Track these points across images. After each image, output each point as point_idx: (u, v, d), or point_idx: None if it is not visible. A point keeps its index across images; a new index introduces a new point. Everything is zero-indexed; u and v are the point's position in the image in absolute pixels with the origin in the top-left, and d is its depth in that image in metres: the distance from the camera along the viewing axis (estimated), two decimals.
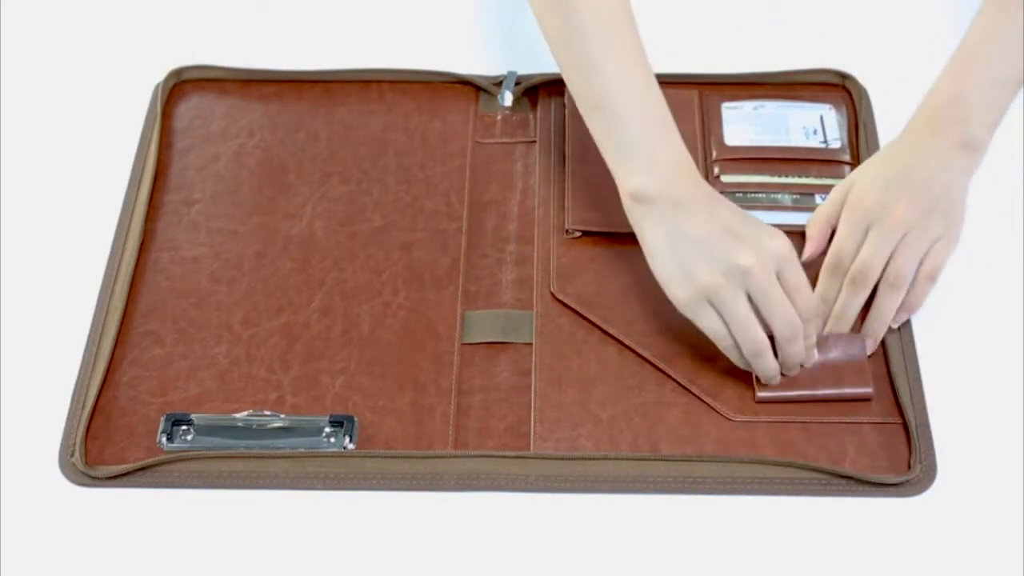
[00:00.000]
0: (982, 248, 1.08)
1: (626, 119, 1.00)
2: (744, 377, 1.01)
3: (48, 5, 1.29)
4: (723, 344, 0.99)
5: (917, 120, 1.05)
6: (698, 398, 1.01)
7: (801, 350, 0.99)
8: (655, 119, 1.00)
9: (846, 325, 1.02)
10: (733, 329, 0.98)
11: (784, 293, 0.97)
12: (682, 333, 1.03)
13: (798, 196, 1.11)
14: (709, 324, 0.98)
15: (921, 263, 1.02)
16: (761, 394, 1.00)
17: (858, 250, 1.02)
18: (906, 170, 1.02)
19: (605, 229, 1.09)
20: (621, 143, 1.00)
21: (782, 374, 1.01)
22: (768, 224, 0.99)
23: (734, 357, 1.00)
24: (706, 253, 0.97)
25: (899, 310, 1.02)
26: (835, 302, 1.03)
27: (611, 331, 1.04)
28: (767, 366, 0.99)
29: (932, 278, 1.03)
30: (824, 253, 1.05)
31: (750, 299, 0.97)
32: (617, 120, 1.00)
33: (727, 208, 0.99)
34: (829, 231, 1.05)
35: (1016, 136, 1.15)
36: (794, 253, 0.98)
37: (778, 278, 0.97)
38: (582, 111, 1.03)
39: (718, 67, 1.19)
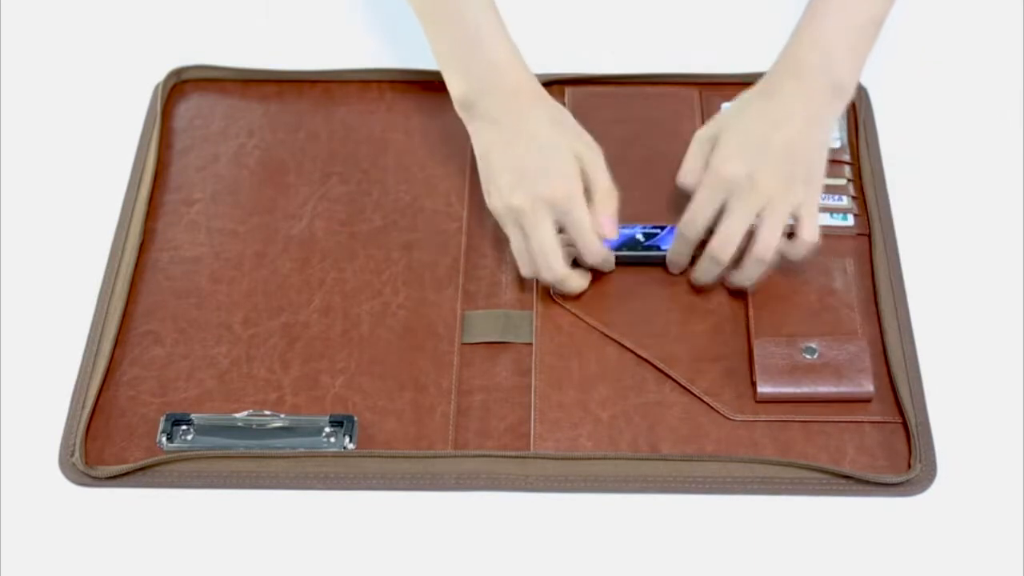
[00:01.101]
0: (982, 247, 1.09)
1: (448, 25, 1.04)
2: (744, 377, 1.01)
3: (48, 5, 1.28)
4: (521, 261, 1.04)
5: (780, 71, 1.03)
6: (698, 398, 1.01)
7: (610, 264, 1.05)
8: (474, 24, 1.03)
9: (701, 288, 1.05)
10: (534, 250, 1.02)
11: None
12: (682, 333, 1.04)
13: None
14: (515, 244, 1.03)
15: (794, 229, 1.01)
16: (763, 389, 1.00)
17: (713, 217, 1.01)
18: (770, 132, 1.00)
19: None
20: (444, 50, 1.05)
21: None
22: (576, 142, 1.03)
23: (525, 272, 1.05)
24: (511, 175, 1.01)
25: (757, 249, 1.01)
26: (685, 264, 1.05)
27: (610, 332, 1.04)
28: (570, 287, 1.04)
29: (813, 240, 1.01)
30: None
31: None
32: (440, 26, 1.04)
33: (536, 124, 1.03)
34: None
35: (1016, 136, 1.15)
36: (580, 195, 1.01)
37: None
38: (423, 27, 1.06)
39: (718, 67, 1.19)
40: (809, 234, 1.00)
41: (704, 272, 1.04)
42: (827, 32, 1.02)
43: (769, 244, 1.00)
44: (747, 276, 1.03)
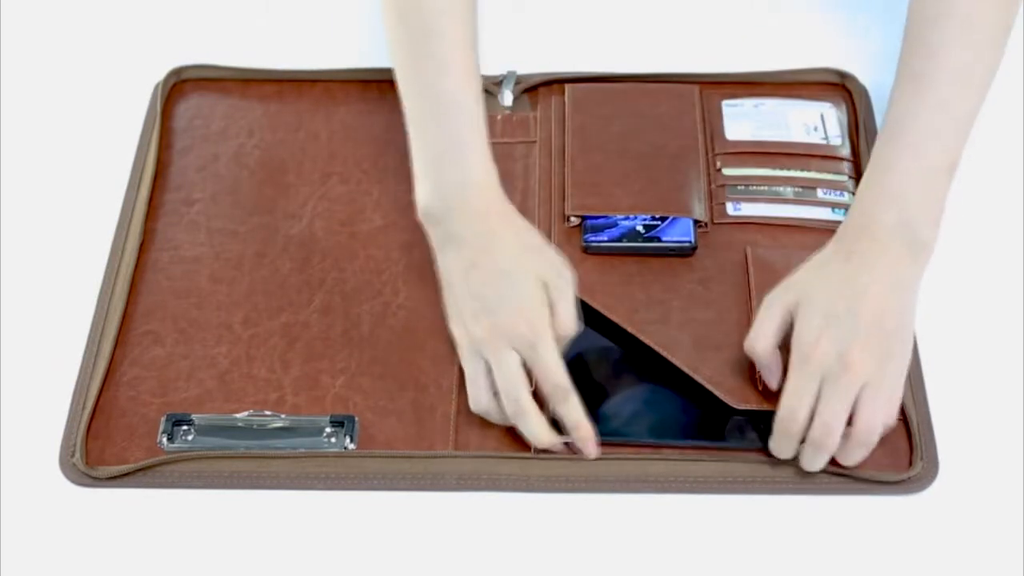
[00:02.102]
0: (983, 245, 1.09)
1: (434, 132, 1.01)
2: (748, 366, 1.01)
3: (48, 5, 1.28)
4: (474, 393, 0.97)
5: (855, 228, 0.98)
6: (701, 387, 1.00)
7: (577, 415, 0.95)
8: (459, 139, 1.00)
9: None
10: (498, 382, 0.95)
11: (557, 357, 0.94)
12: (683, 321, 1.03)
13: (800, 189, 1.11)
14: (471, 374, 0.97)
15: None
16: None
17: (813, 405, 0.93)
18: (854, 303, 0.93)
19: (606, 213, 1.09)
20: (423, 156, 1.01)
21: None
22: (545, 267, 0.97)
23: (477, 405, 0.97)
24: (475, 302, 0.97)
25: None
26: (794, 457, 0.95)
27: (613, 318, 1.03)
28: (531, 428, 0.95)
29: (891, 424, 0.95)
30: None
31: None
32: (425, 132, 1.01)
33: (503, 248, 0.98)
34: (777, 350, 0.96)
35: (1016, 136, 1.15)
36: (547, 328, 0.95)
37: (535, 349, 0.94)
38: (407, 123, 1.03)
39: (718, 67, 1.19)
40: (890, 418, 0.94)
41: (809, 462, 0.94)
42: (899, 183, 0.97)
43: (873, 427, 0.92)
44: (848, 461, 0.95)
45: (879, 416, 0.93)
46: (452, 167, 1.01)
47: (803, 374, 0.93)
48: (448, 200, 1.00)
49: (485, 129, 1.02)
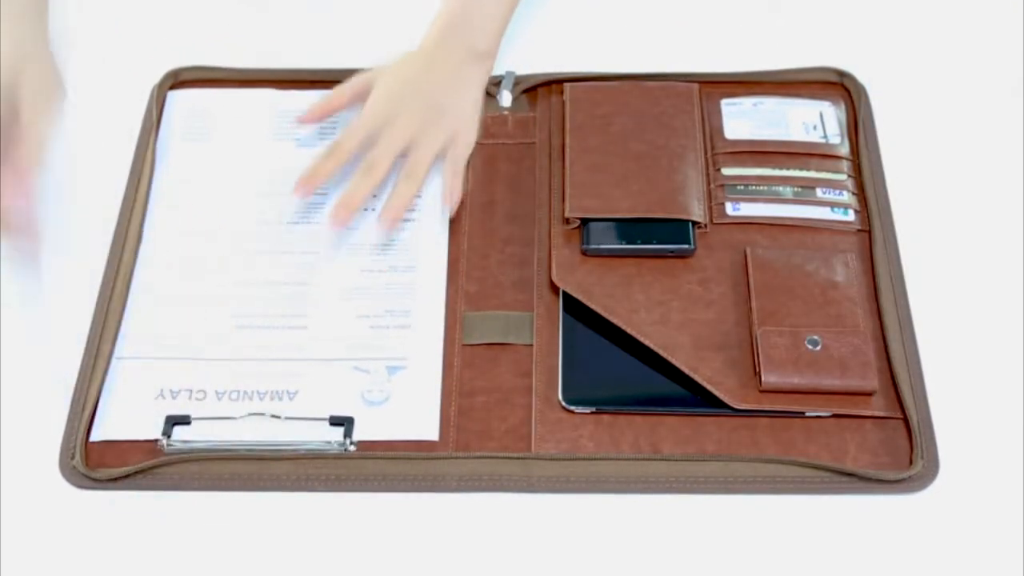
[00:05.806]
0: (982, 244, 1.09)
1: None
2: (747, 367, 1.01)
3: None
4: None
5: (430, 37, 1.15)
6: (701, 387, 1.00)
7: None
8: None
9: (350, 207, 1.08)
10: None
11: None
12: (683, 321, 1.03)
13: (799, 189, 1.11)
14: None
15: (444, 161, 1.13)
16: (768, 379, 0.99)
17: (360, 145, 1.10)
18: (415, 83, 1.13)
19: (605, 215, 1.09)
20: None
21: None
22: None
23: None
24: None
25: (445, 199, 1.11)
26: (322, 180, 1.10)
27: (613, 319, 1.03)
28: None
29: (456, 173, 1.12)
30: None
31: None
32: None
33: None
34: (331, 113, 1.14)
35: (1015, 132, 1.15)
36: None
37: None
38: None
39: (717, 66, 1.19)
40: (451, 165, 1.12)
41: (353, 187, 1.09)
42: (468, 6, 1.15)
43: (417, 164, 1.10)
44: (395, 197, 1.09)
45: (426, 158, 1.11)
46: None
47: (359, 125, 1.11)
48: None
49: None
